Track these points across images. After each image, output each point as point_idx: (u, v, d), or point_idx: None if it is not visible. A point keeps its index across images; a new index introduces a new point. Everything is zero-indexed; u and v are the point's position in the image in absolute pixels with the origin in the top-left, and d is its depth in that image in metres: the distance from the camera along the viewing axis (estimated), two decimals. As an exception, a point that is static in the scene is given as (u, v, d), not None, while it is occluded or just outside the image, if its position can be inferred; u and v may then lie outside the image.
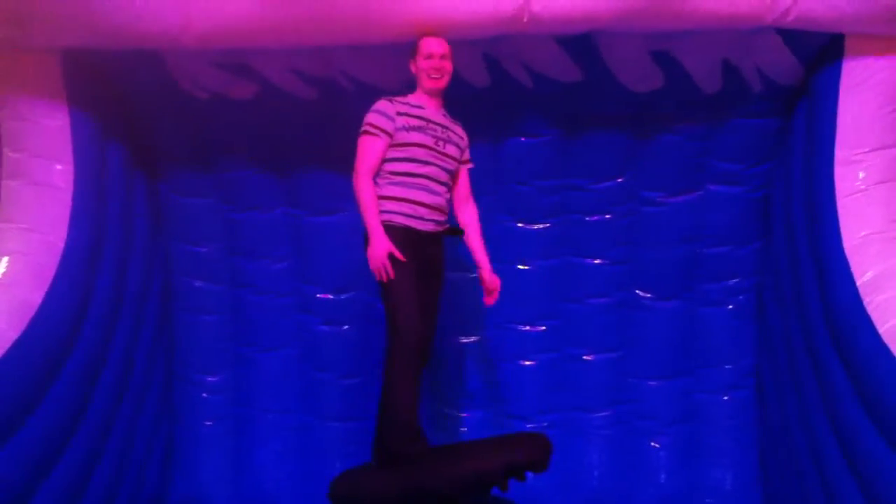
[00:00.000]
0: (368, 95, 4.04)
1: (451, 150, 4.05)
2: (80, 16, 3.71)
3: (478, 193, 4.29)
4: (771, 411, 4.69)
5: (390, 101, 3.97)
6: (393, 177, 3.93)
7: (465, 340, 5.07)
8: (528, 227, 4.95)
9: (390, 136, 3.91)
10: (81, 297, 3.91)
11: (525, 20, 3.82)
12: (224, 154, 4.77)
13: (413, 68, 4.01)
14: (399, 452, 3.84)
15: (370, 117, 3.93)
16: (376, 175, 3.93)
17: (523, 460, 3.94)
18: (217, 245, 4.99)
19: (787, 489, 4.40)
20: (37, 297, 3.59)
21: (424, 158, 3.95)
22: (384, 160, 3.93)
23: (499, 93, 4.44)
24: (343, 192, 4.65)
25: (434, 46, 3.93)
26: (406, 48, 3.99)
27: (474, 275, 4.35)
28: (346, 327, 5.02)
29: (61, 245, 3.83)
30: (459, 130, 4.13)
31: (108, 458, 4.10)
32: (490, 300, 4.14)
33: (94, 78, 4.21)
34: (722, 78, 4.34)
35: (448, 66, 3.97)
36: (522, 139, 4.71)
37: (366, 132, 3.92)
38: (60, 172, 3.95)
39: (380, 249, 3.79)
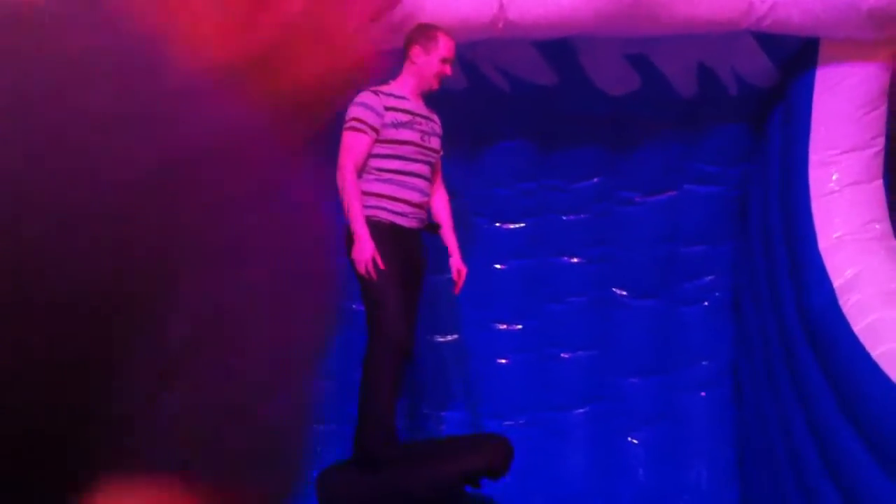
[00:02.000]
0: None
1: (434, 142, 3.97)
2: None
3: (454, 194, 4.27)
4: (748, 409, 4.71)
5: (375, 93, 3.79)
6: (380, 174, 3.83)
7: (441, 340, 5.03)
8: (504, 226, 4.92)
9: (377, 132, 3.78)
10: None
11: (500, 26, 3.79)
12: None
13: (418, 57, 3.82)
14: (374, 454, 3.81)
15: (356, 111, 3.76)
16: (360, 171, 3.82)
17: (480, 468, 3.91)
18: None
19: (764, 486, 4.43)
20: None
21: (412, 156, 3.86)
22: (369, 156, 3.81)
23: (475, 95, 4.40)
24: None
25: (453, 50, 3.82)
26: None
27: (451, 275, 4.34)
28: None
29: None
30: (437, 120, 4.05)
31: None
32: (456, 289, 4.12)
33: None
34: (698, 81, 4.35)
35: None
36: (499, 141, 4.68)
37: (352, 128, 3.76)
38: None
39: (366, 252, 3.71)
